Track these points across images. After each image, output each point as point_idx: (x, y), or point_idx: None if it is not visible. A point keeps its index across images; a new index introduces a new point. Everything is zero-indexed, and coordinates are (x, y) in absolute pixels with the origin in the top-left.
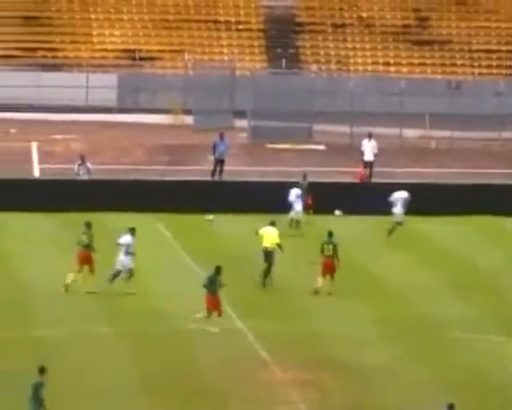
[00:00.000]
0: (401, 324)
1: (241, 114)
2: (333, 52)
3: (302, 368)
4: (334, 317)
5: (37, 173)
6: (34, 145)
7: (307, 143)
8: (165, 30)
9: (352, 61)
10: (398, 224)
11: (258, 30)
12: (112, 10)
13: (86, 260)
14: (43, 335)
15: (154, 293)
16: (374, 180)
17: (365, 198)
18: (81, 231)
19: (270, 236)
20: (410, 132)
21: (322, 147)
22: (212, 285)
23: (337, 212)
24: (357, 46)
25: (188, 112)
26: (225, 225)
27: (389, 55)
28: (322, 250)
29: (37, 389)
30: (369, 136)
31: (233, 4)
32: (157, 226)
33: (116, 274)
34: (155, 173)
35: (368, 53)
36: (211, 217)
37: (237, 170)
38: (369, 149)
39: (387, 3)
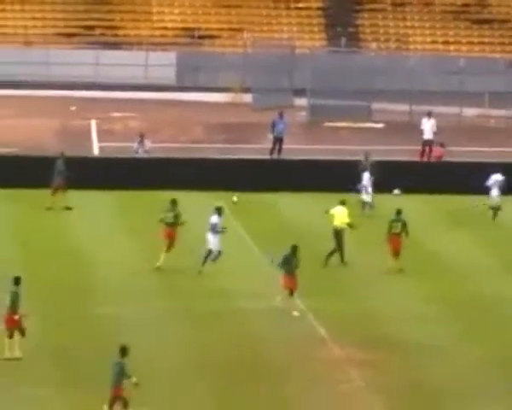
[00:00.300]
0: (458, 302)
1: (300, 93)
2: (392, 31)
3: (360, 346)
4: (392, 295)
5: (96, 151)
6: (93, 123)
7: (366, 122)
8: (224, 8)
9: (411, 39)
10: (497, 208)
11: (318, 8)
12: None
13: (170, 237)
14: (105, 312)
15: (215, 271)
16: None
17: (424, 177)
18: (166, 209)
19: (340, 215)
20: (469, 111)
21: (380, 125)
22: (289, 265)
23: (396, 191)
24: (417, 25)
25: (247, 90)
26: (284, 204)
27: (448, 34)
28: (391, 228)
29: (122, 368)
30: (429, 114)
31: None
32: (215, 204)
33: (207, 255)
34: (214, 152)
35: (427, 31)
36: (235, 198)
37: (296, 148)
38: (428, 127)
39: None
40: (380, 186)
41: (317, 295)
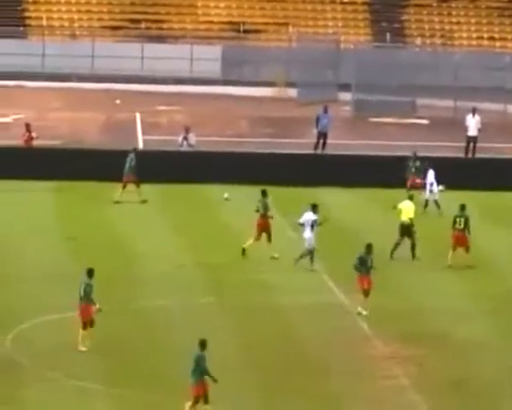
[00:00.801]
0: (500, 298)
1: (344, 88)
2: (437, 26)
3: (403, 342)
4: (434, 291)
5: (141, 144)
6: (138, 116)
7: (411, 118)
8: (269, 2)
9: (456, 35)
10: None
11: (363, 3)
12: None
13: (264, 227)
14: (150, 305)
15: (258, 265)
16: (478, 155)
17: (469, 174)
18: (257, 200)
19: (407, 210)
20: None
21: (425, 121)
22: (365, 265)
23: (440, 187)
24: (462, 20)
25: (291, 85)
26: (328, 198)
27: (494, 30)
28: (454, 223)
29: (200, 361)
30: (474, 111)
31: None
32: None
33: (305, 253)
34: (259, 146)
35: (472, 27)
36: (226, 195)
37: (340, 143)
38: (473, 124)
39: None
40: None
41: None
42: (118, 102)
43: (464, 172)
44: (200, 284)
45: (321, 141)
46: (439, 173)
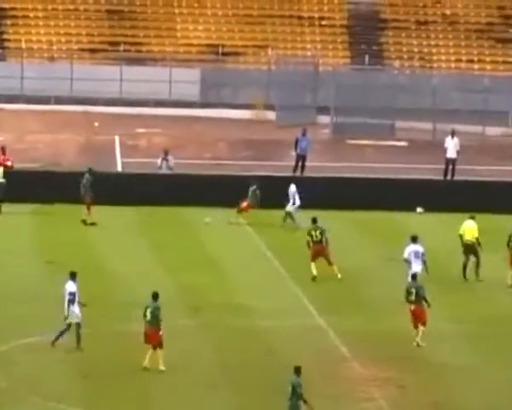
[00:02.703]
0: (483, 321)
1: (323, 110)
2: (416, 49)
3: (382, 365)
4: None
5: (119, 167)
6: (117, 139)
7: (389, 140)
8: (248, 25)
9: (435, 57)
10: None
11: (342, 26)
12: (195, 5)
13: (319, 253)
14: (131, 328)
15: (238, 287)
16: (456, 177)
17: (447, 195)
18: (310, 227)
19: (470, 230)
20: (493, 130)
21: (404, 143)
22: (414, 295)
23: (419, 209)
24: (441, 43)
25: (270, 107)
26: (307, 221)
27: (473, 53)
28: (509, 242)
29: (298, 387)
30: (452, 133)
31: (316, 0)
32: (239, 221)
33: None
34: (237, 168)
35: (451, 50)
36: (207, 220)
37: (319, 166)
38: (452, 146)
39: (471, 1)
40: (402, 204)
41: (339, 313)
42: (96, 124)
43: (443, 195)
44: (177, 305)
45: (300, 163)
46: (418, 195)
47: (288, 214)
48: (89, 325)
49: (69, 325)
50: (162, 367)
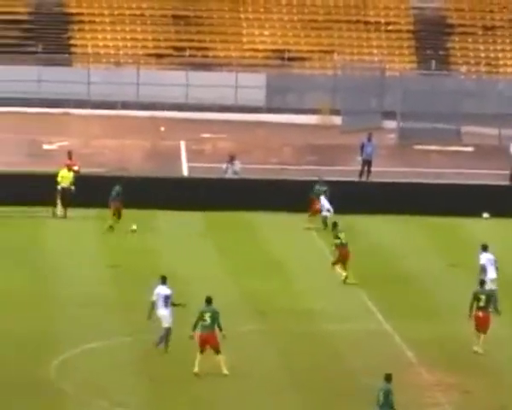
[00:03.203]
0: None
1: (389, 115)
2: (483, 54)
3: (447, 370)
4: None
5: (185, 172)
6: (183, 144)
7: (455, 145)
8: (314, 30)
9: (501, 62)
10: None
11: (408, 31)
12: (261, 10)
13: (346, 257)
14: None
15: (303, 292)
16: None
17: None
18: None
19: None
20: None
21: (470, 149)
22: (486, 302)
23: (485, 214)
24: (507, 48)
25: (336, 112)
26: (371, 226)
27: None
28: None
29: (390, 395)
30: None
31: (383, 5)
32: (304, 226)
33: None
34: (303, 173)
35: None
36: (134, 227)
37: (385, 171)
38: None
39: None
40: (468, 210)
41: (405, 318)
42: (162, 129)
43: (510, 200)
44: (243, 310)
45: (365, 168)
46: (485, 201)
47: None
48: (154, 329)
49: (169, 329)
50: (226, 371)
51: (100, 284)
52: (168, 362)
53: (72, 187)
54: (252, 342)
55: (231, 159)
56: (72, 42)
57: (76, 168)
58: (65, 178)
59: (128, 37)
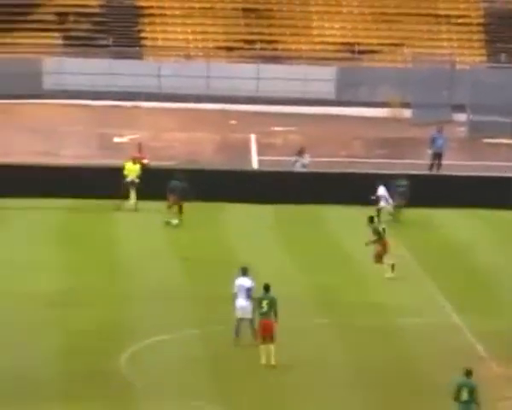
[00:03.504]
0: None
1: (459, 108)
2: None
3: None
4: None
5: (255, 165)
6: (253, 137)
7: None
8: (384, 23)
9: None
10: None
11: (478, 24)
12: (332, 3)
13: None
14: None
15: (372, 285)
16: None
17: None
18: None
19: None
20: None
21: None
22: None
23: None
24: None
25: (406, 105)
26: (442, 218)
27: None
28: None
29: (472, 392)
30: None
31: None
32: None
33: None
34: (373, 166)
35: None
36: (174, 221)
37: (455, 164)
38: None
39: None
40: None
41: (475, 311)
42: (233, 122)
43: None
44: (313, 304)
45: (436, 161)
46: None
47: (380, 212)
48: (223, 321)
49: (250, 320)
50: (274, 362)
51: (170, 276)
52: (238, 354)
53: (137, 180)
54: (319, 336)
55: (301, 152)
56: (142, 35)
57: (145, 161)
58: (131, 171)
59: (198, 30)
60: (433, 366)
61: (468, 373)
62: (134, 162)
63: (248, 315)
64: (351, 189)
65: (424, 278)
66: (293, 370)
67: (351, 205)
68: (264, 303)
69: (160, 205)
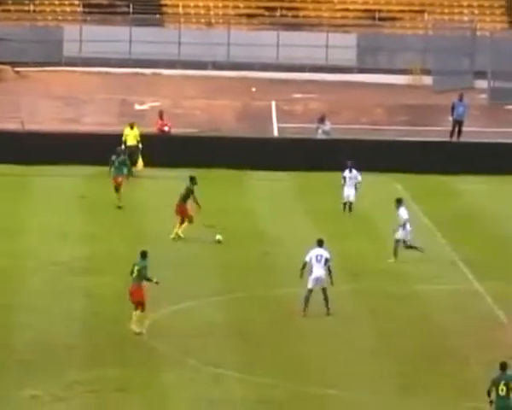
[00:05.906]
0: None
1: (480, 75)
2: None
3: None
4: None
5: (276, 132)
6: (274, 104)
7: None
8: None
9: None
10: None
11: None
12: None
13: None
14: (287, 292)
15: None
16: None
17: None
18: None
19: None
20: None
21: None
22: None
23: None
24: None
25: (427, 72)
26: (463, 186)
27: None
28: None
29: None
30: None
31: None
32: (395, 186)
33: None
34: (394, 133)
35: None
36: (218, 237)
37: (476, 131)
38: None
39: None
40: None
41: (497, 278)
42: (254, 89)
43: None
44: (336, 271)
45: (456, 129)
46: None
47: (399, 242)
48: (247, 289)
49: (311, 291)
50: (137, 330)
51: (194, 244)
52: (262, 322)
53: (140, 145)
54: (344, 302)
55: (322, 119)
56: (163, 2)
57: (166, 128)
58: (129, 136)
59: None
60: (454, 332)
61: (504, 367)
62: (131, 127)
63: (324, 284)
64: (373, 156)
65: (445, 246)
66: (318, 337)
67: (373, 172)
68: (135, 270)
69: (182, 172)
